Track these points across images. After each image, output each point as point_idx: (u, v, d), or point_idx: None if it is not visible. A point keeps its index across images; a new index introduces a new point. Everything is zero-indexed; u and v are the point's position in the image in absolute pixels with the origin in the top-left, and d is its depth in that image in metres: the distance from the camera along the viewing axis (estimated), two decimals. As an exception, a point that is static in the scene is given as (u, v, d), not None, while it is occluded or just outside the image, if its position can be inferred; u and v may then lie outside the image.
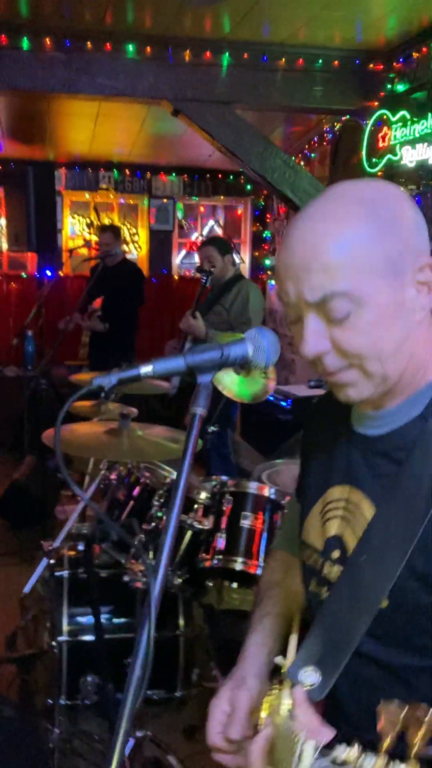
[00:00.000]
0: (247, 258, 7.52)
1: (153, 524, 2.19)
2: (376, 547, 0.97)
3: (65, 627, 2.64)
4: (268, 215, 7.25)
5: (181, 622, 2.73)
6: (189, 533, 2.17)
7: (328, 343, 0.95)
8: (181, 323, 4.16)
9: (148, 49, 4.14)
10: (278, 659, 1.10)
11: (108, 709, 2.34)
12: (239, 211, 7.49)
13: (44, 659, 2.86)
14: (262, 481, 3.17)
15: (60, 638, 2.58)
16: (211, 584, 2.29)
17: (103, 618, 2.70)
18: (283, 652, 1.16)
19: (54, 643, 2.51)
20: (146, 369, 0.94)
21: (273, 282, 7.09)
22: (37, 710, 2.76)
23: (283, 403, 4.74)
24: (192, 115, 4.28)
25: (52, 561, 2.72)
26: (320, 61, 4.32)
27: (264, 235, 7.34)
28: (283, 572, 1.31)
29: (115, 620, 2.73)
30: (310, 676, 0.96)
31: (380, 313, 0.92)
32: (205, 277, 3.99)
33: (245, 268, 7.50)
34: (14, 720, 1.93)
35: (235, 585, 2.15)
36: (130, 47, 4.12)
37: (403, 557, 0.93)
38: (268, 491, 2.13)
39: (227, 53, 4.21)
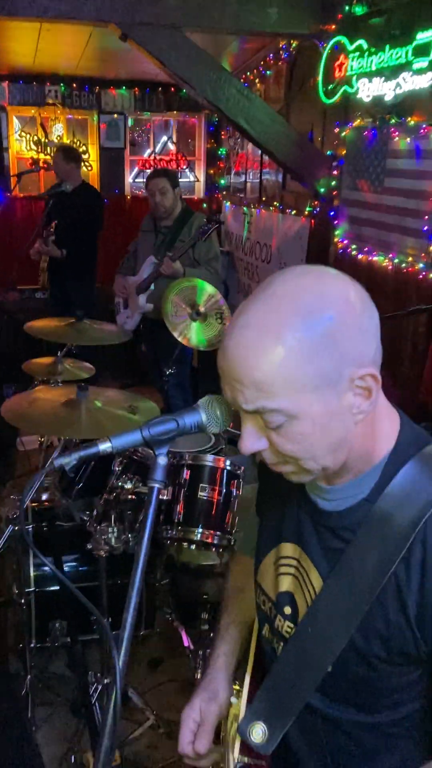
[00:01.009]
0: (201, 176, 7.32)
1: (114, 494, 2.27)
2: (322, 621, 1.03)
3: (32, 578, 2.78)
4: (222, 132, 7.02)
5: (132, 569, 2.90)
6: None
7: (264, 442, 0.97)
8: (164, 269, 4.13)
9: (93, -35, 3.86)
10: (233, 699, 1.22)
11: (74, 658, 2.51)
12: (193, 120, 7.20)
13: (12, 605, 3.02)
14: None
15: (28, 589, 2.72)
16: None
17: (68, 567, 2.85)
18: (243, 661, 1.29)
19: (22, 600, 2.64)
20: (104, 446, 0.98)
21: (228, 203, 6.96)
22: (7, 653, 2.94)
23: (239, 336, 4.78)
24: (141, 40, 4.06)
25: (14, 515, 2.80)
26: (276, -21, 4.10)
27: (219, 152, 7.12)
28: (247, 577, 1.36)
29: (81, 568, 2.87)
30: (259, 733, 1.07)
31: (313, 423, 0.92)
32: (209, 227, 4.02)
33: (200, 187, 7.32)
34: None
35: (193, 547, 2.27)
36: (74, -37, 3.84)
37: (347, 634, 1.00)
38: (224, 463, 2.22)
39: (177, -30, 3.96)
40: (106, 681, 2.42)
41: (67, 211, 5.21)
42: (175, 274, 4.07)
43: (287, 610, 1.12)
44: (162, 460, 1.00)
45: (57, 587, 2.80)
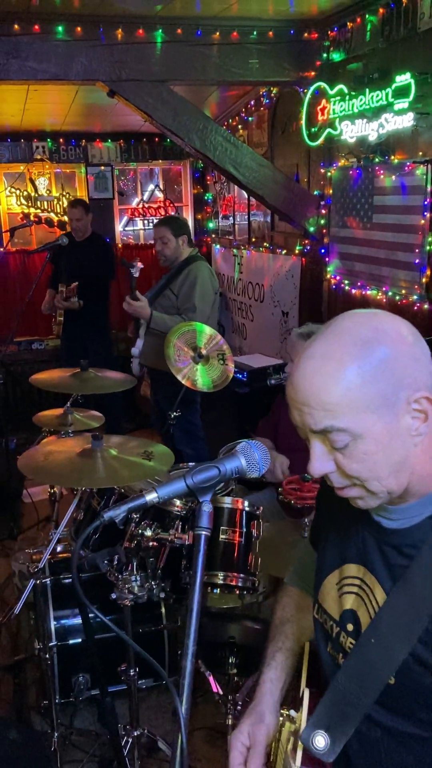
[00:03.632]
0: (190, 221, 7.46)
1: (135, 542, 2.28)
2: (384, 633, 1.08)
3: (54, 631, 2.76)
4: (208, 177, 7.18)
5: (164, 616, 2.89)
6: (168, 549, 2.28)
7: (332, 464, 1.05)
8: (125, 307, 4.14)
9: (79, 29, 4.00)
10: (292, 713, 1.24)
11: (105, 711, 2.48)
12: (178, 168, 7.36)
13: (34, 661, 2.99)
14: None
15: (50, 644, 2.70)
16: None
17: (91, 618, 2.83)
18: (296, 689, 1.30)
19: (46, 655, 2.61)
20: (151, 497, 1.01)
21: (218, 246, 7.08)
22: (31, 712, 2.90)
23: (240, 376, 4.83)
24: (128, 95, 4.19)
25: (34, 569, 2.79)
26: (255, 32, 4.26)
27: (206, 197, 7.28)
28: (295, 609, 1.44)
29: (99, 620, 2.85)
30: (321, 741, 1.10)
31: (376, 443, 1.01)
32: (131, 269, 3.87)
33: (189, 232, 7.46)
34: (18, 742, 2.04)
35: (216, 591, 2.27)
36: (60, 28, 3.98)
37: (409, 646, 1.05)
38: (242, 504, 2.24)
39: (160, 30, 4.11)
40: (136, 733, 2.40)
41: (80, 261, 5.32)
42: (137, 313, 4.05)
43: (350, 627, 1.17)
44: (206, 507, 1.03)
45: (79, 640, 2.78)
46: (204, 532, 1.02)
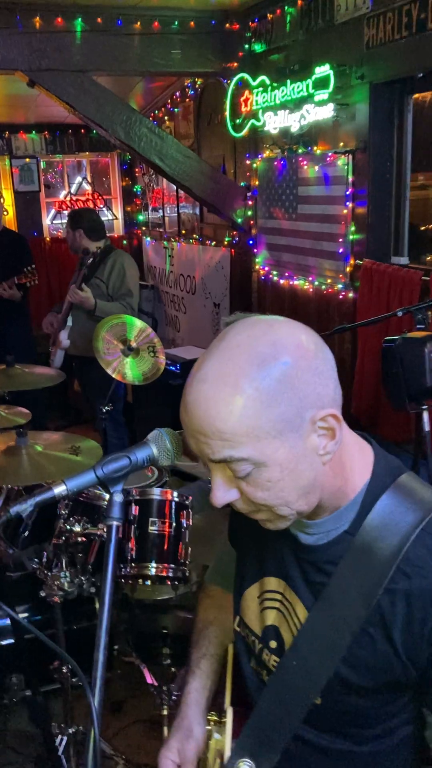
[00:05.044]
0: (119, 214, 7.39)
1: (63, 537, 2.25)
2: (306, 654, 1.03)
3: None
4: (136, 169, 7.12)
5: (98, 609, 2.87)
6: (98, 544, 2.26)
7: (235, 492, 0.96)
8: (70, 297, 4.13)
9: (-6, 16, 3.91)
10: (217, 736, 1.20)
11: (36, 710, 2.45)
12: (105, 160, 7.27)
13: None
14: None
15: (-20, 646, 2.65)
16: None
17: (22, 617, 2.78)
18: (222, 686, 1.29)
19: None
20: (59, 489, 0.99)
21: (149, 238, 7.04)
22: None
23: (173, 368, 4.82)
24: (49, 85, 4.11)
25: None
26: (176, 22, 4.24)
27: (134, 189, 7.22)
28: (217, 609, 1.38)
29: (35, 618, 2.81)
30: None
31: (281, 469, 0.92)
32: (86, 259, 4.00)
33: (119, 225, 7.38)
34: None
35: (148, 582, 2.26)
36: (-26, 15, 3.87)
37: (331, 665, 1.00)
38: (171, 495, 2.23)
39: (80, 19, 4.04)
40: (71, 730, 2.37)
41: None
42: (83, 303, 4.07)
43: (273, 644, 1.12)
44: (118, 498, 1.01)
45: (12, 640, 2.74)
46: (115, 522, 1.00)
